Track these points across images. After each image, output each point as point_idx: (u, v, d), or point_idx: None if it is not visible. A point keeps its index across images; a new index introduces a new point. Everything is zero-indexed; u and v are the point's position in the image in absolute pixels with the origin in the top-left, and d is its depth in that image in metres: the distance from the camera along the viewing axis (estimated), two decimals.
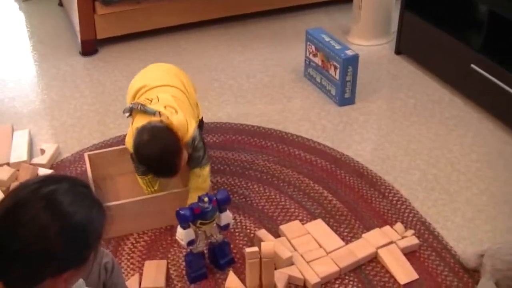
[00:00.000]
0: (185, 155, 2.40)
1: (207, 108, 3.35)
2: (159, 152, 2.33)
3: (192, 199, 2.46)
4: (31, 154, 3.04)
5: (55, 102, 3.46)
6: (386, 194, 2.72)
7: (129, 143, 2.47)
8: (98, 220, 1.49)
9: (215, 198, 2.23)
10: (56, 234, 1.36)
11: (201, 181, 2.51)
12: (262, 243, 2.25)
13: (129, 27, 3.95)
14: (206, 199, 2.19)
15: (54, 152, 3.01)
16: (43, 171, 2.86)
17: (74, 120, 3.30)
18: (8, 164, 2.91)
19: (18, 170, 2.84)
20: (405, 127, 3.21)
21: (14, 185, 2.77)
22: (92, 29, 3.82)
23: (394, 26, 3.89)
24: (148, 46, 3.99)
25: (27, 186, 1.43)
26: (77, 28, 3.84)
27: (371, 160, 2.96)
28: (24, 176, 2.81)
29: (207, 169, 2.53)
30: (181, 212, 2.19)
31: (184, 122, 2.40)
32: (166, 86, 2.56)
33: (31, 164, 2.91)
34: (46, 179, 1.47)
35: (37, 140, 3.16)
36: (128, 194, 2.65)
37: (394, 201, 2.68)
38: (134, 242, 2.52)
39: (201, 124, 2.79)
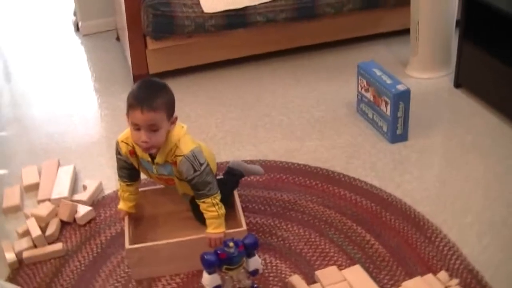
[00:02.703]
0: (167, 127, 2.37)
1: (253, 145, 3.28)
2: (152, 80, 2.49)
3: (216, 228, 2.42)
4: (74, 190, 3.04)
5: (103, 138, 3.47)
6: (433, 238, 2.56)
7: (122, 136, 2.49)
8: None
9: (242, 243, 2.14)
10: None
11: (218, 208, 2.43)
12: None
13: (181, 61, 3.93)
14: (231, 244, 2.10)
15: (96, 189, 2.99)
16: (82, 208, 2.84)
17: None
18: (49, 200, 2.91)
19: (58, 207, 2.83)
20: (460, 166, 3.04)
21: (53, 221, 2.76)
22: (144, 64, 3.82)
23: (454, 58, 3.71)
24: (200, 80, 3.96)
25: None
26: (130, 62, 3.84)
27: (419, 200, 2.80)
28: (64, 212, 2.80)
29: (218, 197, 2.45)
30: (206, 257, 2.11)
31: (187, 137, 2.45)
32: None
33: (72, 200, 2.90)
34: None
35: (82, 175, 3.16)
36: (167, 234, 2.58)
37: (441, 247, 2.52)
38: (165, 284, 2.45)
39: None
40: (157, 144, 2.35)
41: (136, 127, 2.31)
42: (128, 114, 2.34)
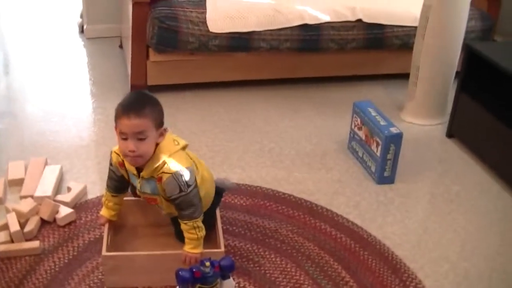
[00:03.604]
0: (155, 138, 2.34)
1: (242, 169, 3.29)
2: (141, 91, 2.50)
3: (193, 248, 2.40)
4: (58, 190, 3.04)
5: (93, 142, 3.47)
6: (408, 283, 2.57)
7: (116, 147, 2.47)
8: None
9: (218, 264, 2.14)
10: None
11: (198, 231, 2.41)
12: None
13: (180, 77, 3.95)
14: (207, 263, 2.11)
15: (80, 191, 2.99)
16: (64, 209, 2.84)
17: (108, 162, 3.27)
18: (32, 197, 2.91)
19: (40, 205, 2.83)
20: (443, 214, 3.06)
21: (33, 218, 2.75)
22: (143, 75, 3.84)
23: (450, 108, 3.75)
24: (197, 98, 3.98)
25: None
26: (129, 71, 3.86)
27: (399, 244, 2.81)
28: (45, 211, 2.80)
29: (200, 220, 2.43)
30: (181, 273, 2.12)
31: (181, 154, 2.40)
32: None
33: (54, 200, 2.90)
34: None
35: (68, 177, 3.15)
36: (145, 246, 2.60)
37: None
38: None
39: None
40: (145, 154, 2.31)
41: (124, 136, 2.29)
42: (116, 125, 2.34)
